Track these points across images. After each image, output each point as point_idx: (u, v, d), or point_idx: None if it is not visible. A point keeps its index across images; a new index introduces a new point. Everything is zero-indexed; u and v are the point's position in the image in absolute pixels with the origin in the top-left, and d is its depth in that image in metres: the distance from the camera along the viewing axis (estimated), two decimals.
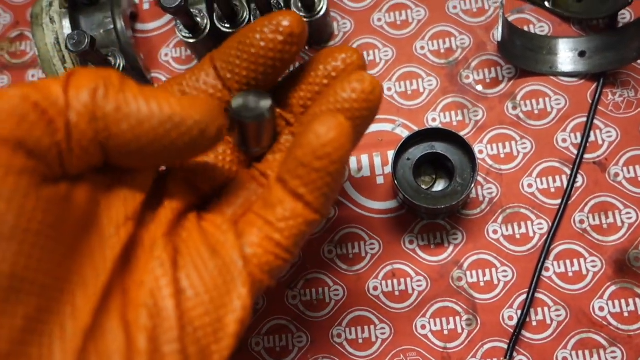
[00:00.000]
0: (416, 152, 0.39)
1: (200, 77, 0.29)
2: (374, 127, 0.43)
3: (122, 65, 0.42)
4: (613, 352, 0.37)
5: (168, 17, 0.47)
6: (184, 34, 0.42)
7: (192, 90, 0.29)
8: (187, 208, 0.28)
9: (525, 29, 0.43)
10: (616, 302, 0.37)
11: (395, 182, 0.37)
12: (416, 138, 0.39)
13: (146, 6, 0.48)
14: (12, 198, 0.20)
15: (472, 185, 0.36)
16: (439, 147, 0.39)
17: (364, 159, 0.42)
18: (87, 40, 0.38)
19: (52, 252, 0.22)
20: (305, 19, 0.41)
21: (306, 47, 0.45)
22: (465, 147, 0.38)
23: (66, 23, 0.42)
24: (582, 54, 0.41)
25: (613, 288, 0.38)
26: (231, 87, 0.29)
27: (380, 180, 0.42)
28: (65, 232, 0.23)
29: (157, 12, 0.48)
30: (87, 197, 0.24)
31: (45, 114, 0.22)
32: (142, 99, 0.23)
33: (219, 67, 0.29)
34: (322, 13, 0.41)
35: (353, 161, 0.42)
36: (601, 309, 0.37)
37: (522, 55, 0.42)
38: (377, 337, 0.39)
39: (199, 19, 0.42)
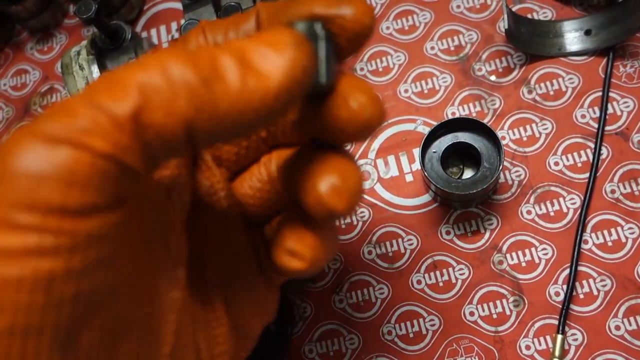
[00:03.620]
0: (441, 144, 0.40)
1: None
2: (396, 128, 0.44)
3: None
4: None
5: None
6: None
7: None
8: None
9: (529, 17, 0.45)
10: None
11: (425, 173, 0.38)
12: (439, 131, 0.40)
13: (165, 46, 0.51)
14: None
15: (501, 167, 0.37)
16: (463, 137, 0.40)
17: (391, 159, 0.44)
18: None
19: None
20: None
21: None
22: (487, 132, 0.39)
23: (94, 68, 0.45)
24: (587, 32, 0.43)
25: None
26: None
27: (409, 177, 0.43)
28: None
29: None
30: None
31: None
32: None
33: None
34: None
35: (380, 163, 0.43)
36: None
37: (530, 41, 0.43)
38: (427, 330, 0.39)
39: None
